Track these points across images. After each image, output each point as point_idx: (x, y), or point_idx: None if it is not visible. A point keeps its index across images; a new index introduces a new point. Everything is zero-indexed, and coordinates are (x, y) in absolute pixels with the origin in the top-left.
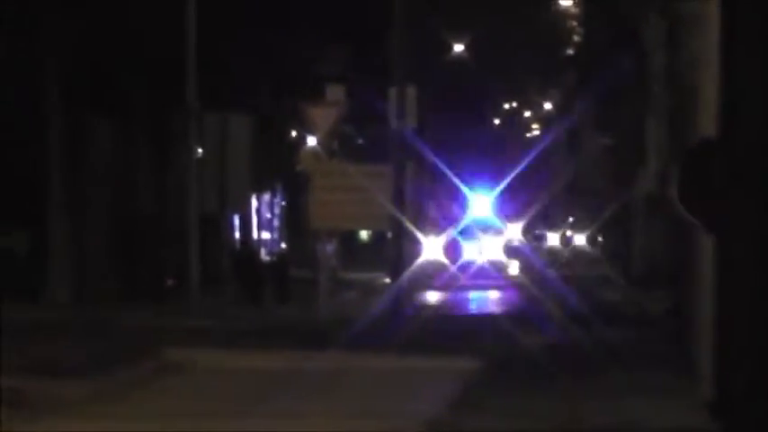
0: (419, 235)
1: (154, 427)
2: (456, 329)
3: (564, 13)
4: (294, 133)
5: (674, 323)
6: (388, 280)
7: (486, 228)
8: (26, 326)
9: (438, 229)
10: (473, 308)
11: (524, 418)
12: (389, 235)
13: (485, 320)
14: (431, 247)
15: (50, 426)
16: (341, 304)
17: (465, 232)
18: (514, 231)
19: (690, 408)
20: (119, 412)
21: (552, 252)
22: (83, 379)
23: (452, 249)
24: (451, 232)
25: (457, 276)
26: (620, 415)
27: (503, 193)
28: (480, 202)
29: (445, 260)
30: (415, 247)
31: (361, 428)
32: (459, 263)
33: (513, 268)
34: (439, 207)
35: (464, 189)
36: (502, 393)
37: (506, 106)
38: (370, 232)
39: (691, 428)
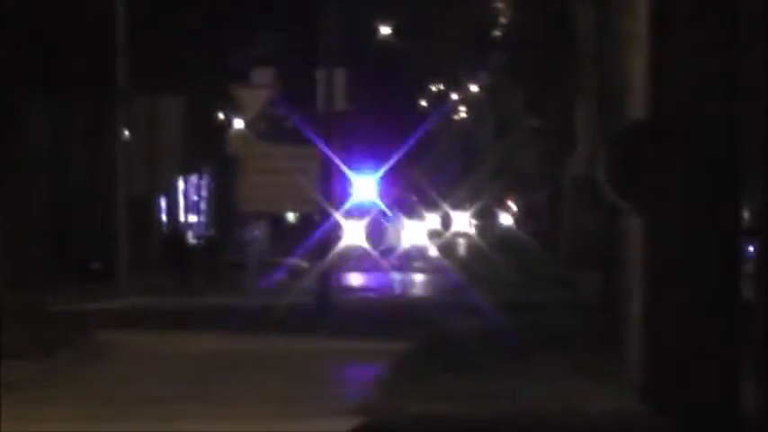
0: (341, 219)
1: (85, 411)
2: (384, 313)
3: None
4: (222, 116)
5: (604, 307)
6: (305, 264)
7: (409, 211)
8: None
9: (358, 212)
10: (398, 291)
11: (455, 401)
12: (316, 218)
13: (413, 304)
14: (352, 232)
15: None
16: (269, 287)
17: (385, 217)
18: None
19: (620, 391)
20: (54, 394)
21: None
22: (18, 362)
23: (375, 233)
24: (373, 216)
25: (380, 260)
26: (552, 397)
27: (429, 174)
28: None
29: (367, 245)
30: (339, 230)
31: (289, 411)
32: (381, 247)
33: (435, 252)
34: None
35: (375, 174)
36: (431, 376)
37: (433, 89)
38: (297, 215)
39: (621, 410)
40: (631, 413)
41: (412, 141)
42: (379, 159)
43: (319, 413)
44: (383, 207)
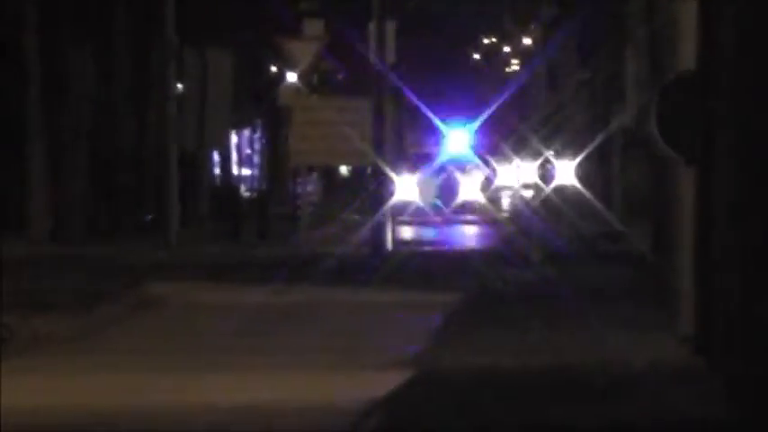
0: (393, 174)
1: (136, 362)
2: (435, 265)
3: None
4: (274, 69)
5: (655, 260)
6: (356, 216)
7: (464, 165)
8: (7, 262)
9: (414, 167)
10: (452, 245)
11: (502, 354)
12: (369, 171)
13: (464, 256)
14: (406, 186)
15: (34, 361)
16: (321, 239)
17: (441, 170)
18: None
19: (671, 344)
20: (101, 347)
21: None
22: (66, 314)
23: (447, 189)
24: (435, 170)
25: (436, 213)
26: (600, 351)
27: (481, 129)
28: (459, 138)
29: (431, 201)
30: (392, 184)
31: (340, 363)
32: (453, 203)
33: (496, 207)
34: (416, 144)
35: (441, 126)
36: (480, 329)
37: (486, 41)
38: (350, 168)
39: (672, 362)
40: (680, 366)
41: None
42: (435, 113)
43: (370, 365)
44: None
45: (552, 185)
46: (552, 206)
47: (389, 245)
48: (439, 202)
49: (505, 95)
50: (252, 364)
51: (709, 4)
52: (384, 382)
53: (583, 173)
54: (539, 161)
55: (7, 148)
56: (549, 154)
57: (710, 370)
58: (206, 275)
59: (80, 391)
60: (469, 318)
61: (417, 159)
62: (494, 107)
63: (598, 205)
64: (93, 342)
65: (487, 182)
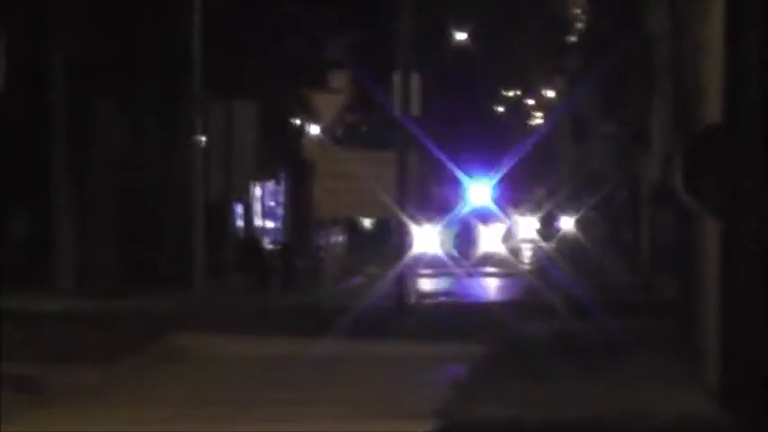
0: (414, 225)
1: (162, 413)
2: (458, 317)
3: (568, 0)
4: (298, 121)
5: (680, 311)
6: (379, 268)
7: (485, 217)
8: (32, 313)
9: (436, 219)
10: (476, 296)
11: (528, 405)
12: (392, 223)
13: (488, 308)
14: (427, 237)
15: (61, 412)
16: (346, 291)
17: (461, 221)
18: (524, 222)
19: (697, 396)
20: (127, 399)
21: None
22: (91, 366)
23: (465, 240)
24: (455, 221)
25: (455, 265)
26: (626, 402)
27: (504, 181)
28: (480, 190)
29: (454, 252)
30: (414, 237)
31: (366, 413)
32: (472, 255)
33: (518, 259)
34: (439, 196)
35: (463, 178)
36: (505, 380)
37: (509, 94)
38: (373, 220)
39: (699, 416)
40: (708, 419)
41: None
42: (457, 165)
43: (396, 416)
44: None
45: (569, 237)
46: (575, 258)
47: (412, 297)
48: (457, 253)
49: (528, 147)
50: (277, 417)
51: (736, 58)
52: None
53: (608, 225)
54: (552, 214)
55: (33, 200)
56: (560, 207)
57: (737, 425)
58: (231, 327)
59: None
60: (494, 370)
61: (439, 211)
62: (516, 159)
63: (619, 258)
64: (118, 393)
65: (508, 233)
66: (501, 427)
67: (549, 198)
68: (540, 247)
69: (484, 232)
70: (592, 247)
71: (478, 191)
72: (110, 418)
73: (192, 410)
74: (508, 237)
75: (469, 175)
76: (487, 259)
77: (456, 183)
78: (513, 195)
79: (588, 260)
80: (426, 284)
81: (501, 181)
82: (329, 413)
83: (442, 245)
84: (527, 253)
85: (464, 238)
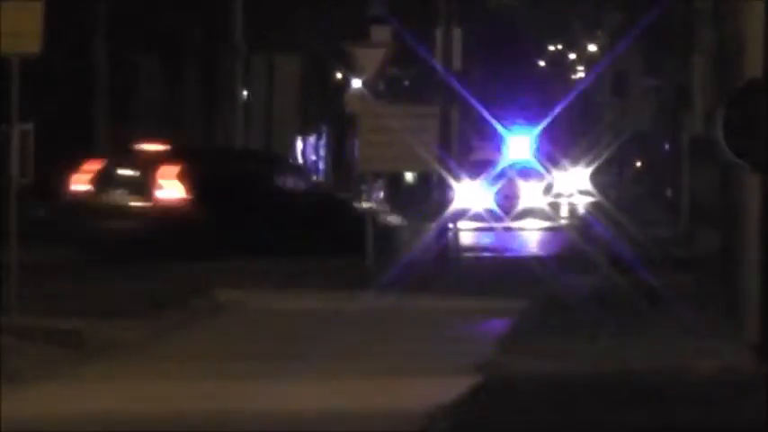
0: (457, 181)
1: (206, 367)
2: (499, 272)
3: None
4: (340, 75)
5: (721, 265)
6: (421, 223)
7: (526, 172)
8: (76, 268)
9: (477, 173)
10: (517, 251)
11: (569, 359)
12: (434, 178)
13: (528, 263)
14: (468, 192)
15: (105, 367)
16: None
17: (502, 176)
18: (565, 176)
19: (737, 350)
20: (172, 353)
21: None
22: (136, 320)
23: (506, 196)
24: (496, 177)
25: (501, 221)
26: (666, 357)
27: (544, 135)
28: (521, 145)
29: (495, 208)
30: (455, 191)
31: (406, 370)
32: (513, 210)
33: (559, 213)
34: (481, 151)
35: (504, 132)
36: (545, 335)
37: (551, 48)
38: (415, 175)
39: (739, 370)
40: (748, 372)
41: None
42: (498, 119)
43: (436, 372)
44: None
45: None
46: (614, 212)
47: (454, 252)
48: (498, 209)
49: (570, 102)
50: (318, 371)
51: None
52: (451, 389)
53: (648, 179)
54: (595, 168)
55: (74, 155)
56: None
57: None
58: (275, 281)
59: (148, 398)
60: (536, 325)
61: (481, 166)
62: (557, 114)
63: (660, 211)
64: (162, 348)
65: (549, 188)
66: (544, 381)
67: (590, 153)
68: (581, 202)
69: (525, 187)
70: (632, 202)
71: (519, 145)
72: (153, 373)
73: (235, 365)
74: (549, 191)
75: (511, 130)
76: (528, 214)
77: (497, 137)
78: (555, 150)
79: (629, 214)
80: (467, 239)
81: (542, 135)
82: (370, 368)
83: (483, 200)
84: (568, 207)
85: (505, 193)
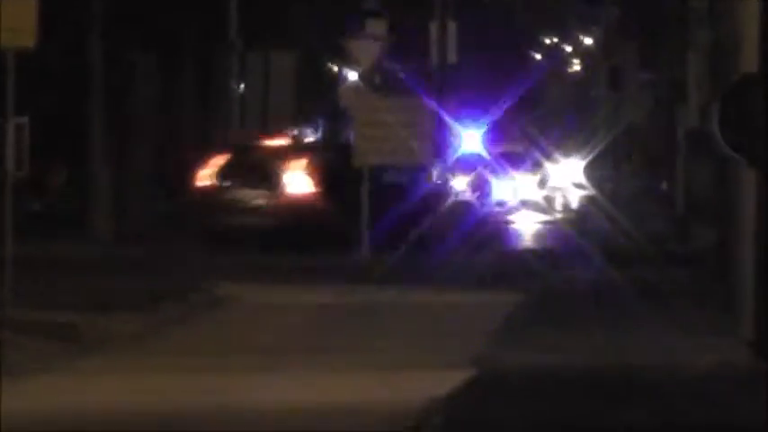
0: (451, 173)
1: (203, 361)
2: (493, 264)
3: None
4: (335, 68)
5: (716, 260)
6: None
7: (518, 163)
8: (73, 262)
9: (471, 164)
10: (510, 243)
11: (563, 353)
12: (429, 171)
13: (522, 255)
14: (462, 183)
15: (103, 361)
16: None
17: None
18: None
19: (733, 345)
20: (169, 347)
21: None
22: (134, 314)
23: (480, 186)
24: (480, 168)
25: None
26: (661, 352)
27: (538, 127)
28: (514, 136)
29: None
30: (449, 184)
31: (402, 363)
32: (486, 202)
33: (553, 206)
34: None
35: (499, 124)
36: (540, 329)
37: (547, 41)
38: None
39: (734, 366)
40: (744, 368)
41: (519, 91)
42: (490, 113)
43: (433, 365)
44: (488, 159)
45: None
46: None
47: (449, 244)
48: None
49: (564, 95)
50: (316, 365)
51: None
52: (446, 382)
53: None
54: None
55: (70, 150)
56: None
57: None
58: (273, 275)
59: (145, 392)
60: (531, 318)
61: (475, 159)
62: (550, 106)
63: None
64: (160, 342)
65: (543, 181)
66: (539, 375)
67: (585, 146)
68: (576, 195)
69: (518, 179)
70: (628, 197)
71: (513, 136)
72: (150, 367)
73: (233, 359)
74: (544, 183)
75: (505, 122)
76: (522, 206)
77: (491, 129)
78: (548, 142)
79: (625, 209)
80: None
81: (536, 127)
82: (366, 362)
83: (474, 191)
84: (562, 200)
85: (477, 183)
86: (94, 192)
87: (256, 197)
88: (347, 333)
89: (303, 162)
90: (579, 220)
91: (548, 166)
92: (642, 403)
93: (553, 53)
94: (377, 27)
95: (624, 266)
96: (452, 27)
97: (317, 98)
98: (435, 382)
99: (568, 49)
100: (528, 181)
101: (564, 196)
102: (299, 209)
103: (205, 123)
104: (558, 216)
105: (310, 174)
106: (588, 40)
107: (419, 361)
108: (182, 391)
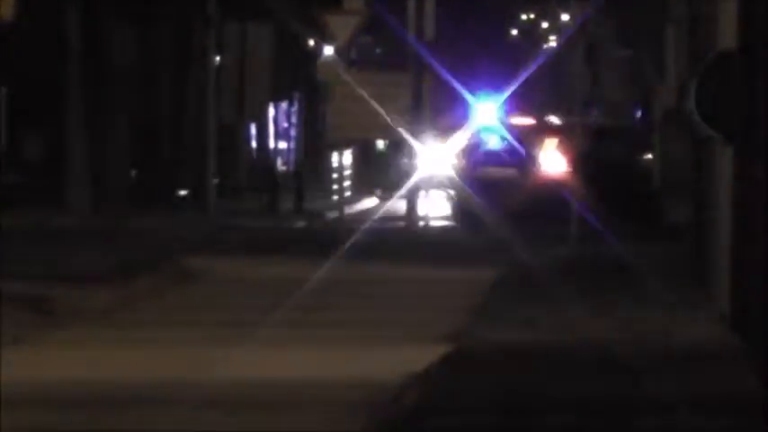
0: (426, 147)
1: (175, 334)
2: (469, 240)
3: None
4: (312, 42)
5: (691, 237)
6: (391, 191)
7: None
8: (46, 232)
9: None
10: (487, 219)
11: (537, 329)
12: (405, 146)
13: (499, 232)
14: (438, 159)
15: (75, 333)
16: (356, 214)
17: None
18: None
19: (707, 321)
20: (141, 319)
21: None
22: (105, 286)
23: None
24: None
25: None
26: (639, 327)
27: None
28: (488, 111)
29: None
30: (424, 159)
31: (378, 337)
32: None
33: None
34: (453, 118)
35: (472, 99)
36: (514, 305)
37: (524, 17)
38: (387, 143)
39: (708, 341)
40: (719, 343)
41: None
42: (469, 88)
43: (408, 340)
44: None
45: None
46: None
47: (424, 220)
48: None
49: (540, 71)
50: (290, 339)
51: None
52: (422, 357)
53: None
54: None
55: (47, 120)
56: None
57: (746, 348)
58: (245, 249)
59: (117, 364)
60: (507, 294)
61: (451, 133)
62: (527, 83)
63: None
64: (133, 314)
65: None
66: (512, 349)
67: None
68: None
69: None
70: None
71: (487, 112)
72: (123, 340)
73: (204, 332)
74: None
75: (483, 98)
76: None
77: (468, 105)
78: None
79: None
80: (437, 207)
81: (511, 104)
82: (337, 336)
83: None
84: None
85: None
86: (71, 163)
87: (508, 175)
88: (319, 308)
89: (556, 141)
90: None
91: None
92: (616, 378)
93: (531, 30)
94: (355, 2)
95: (600, 242)
96: (430, 3)
97: (294, 71)
98: (412, 358)
99: (545, 25)
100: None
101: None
102: (552, 187)
103: (182, 94)
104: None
105: (563, 153)
106: (565, 16)
107: (395, 336)
108: (150, 363)
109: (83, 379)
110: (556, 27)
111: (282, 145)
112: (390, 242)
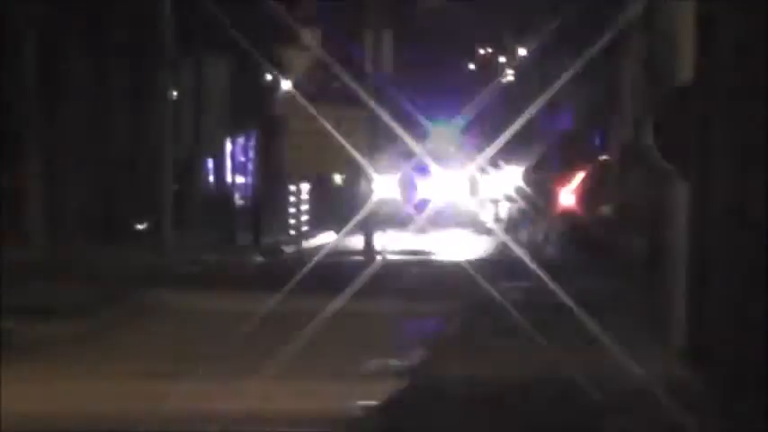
0: (382, 181)
1: (133, 367)
2: (429, 274)
3: None
4: (270, 77)
5: (648, 272)
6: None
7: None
8: (6, 267)
9: (407, 173)
10: (443, 252)
11: (494, 364)
12: (362, 180)
13: (456, 266)
14: (394, 192)
15: (33, 366)
16: (314, 248)
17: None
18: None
19: (665, 356)
20: (101, 354)
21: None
22: (63, 320)
23: (406, 186)
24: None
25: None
26: (597, 362)
27: (471, 135)
28: (444, 140)
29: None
30: (381, 192)
31: (337, 371)
32: (413, 201)
33: (487, 215)
34: (410, 151)
35: (434, 132)
36: (473, 340)
37: (481, 52)
38: (344, 176)
39: (666, 375)
40: (676, 379)
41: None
42: (427, 120)
43: (367, 374)
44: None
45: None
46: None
47: (382, 254)
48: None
49: (497, 104)
50: (249, 372)
51: (707, 15)
52: (381, 391)
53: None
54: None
55: (3, 152)
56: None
57: (704, 381)
58: (201, 283)
59: (79, 397)
60: (465, 328)
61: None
62: (484, 116)
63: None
64: (94, 347)
65: (475, 188)
66: (470, 384)
67: (519, 154)
68: (510, 205)
69: (451, 187)
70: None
71: (446, 144)
72: (82, 373)
73: (164, 366)
74: (476, 192)
75: (439, 129)
76: (454, 215)
77: (425, 136)
78: (484, 151)
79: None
80: (394, 240)
81: (471, 137)
82: (295, 370)
83: (405, 199)
84: (495, 210)
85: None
86: (29, 197)
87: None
88: (279, 341)
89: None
90: (512, 229)
91: (482, 173)
92: (575, 414)
93: (488, 64)
94: (311, 36)
95: (557, 277)
96: (388, 37)
97: (251, 105)
98: (367, 391)
99: (502, 59)
100: (459, 189)
101: (499, 205)
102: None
103: (139, 128)
104: (491, 225)
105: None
106: (522, 50)
107: (350, 370)
108: (103, 396)
109: (41, 412)
110: (514, 61)
111: (240, 179)
112: (347, 276)
